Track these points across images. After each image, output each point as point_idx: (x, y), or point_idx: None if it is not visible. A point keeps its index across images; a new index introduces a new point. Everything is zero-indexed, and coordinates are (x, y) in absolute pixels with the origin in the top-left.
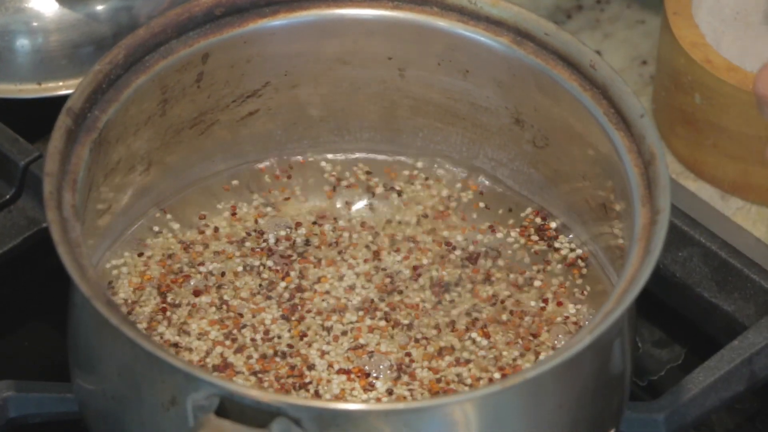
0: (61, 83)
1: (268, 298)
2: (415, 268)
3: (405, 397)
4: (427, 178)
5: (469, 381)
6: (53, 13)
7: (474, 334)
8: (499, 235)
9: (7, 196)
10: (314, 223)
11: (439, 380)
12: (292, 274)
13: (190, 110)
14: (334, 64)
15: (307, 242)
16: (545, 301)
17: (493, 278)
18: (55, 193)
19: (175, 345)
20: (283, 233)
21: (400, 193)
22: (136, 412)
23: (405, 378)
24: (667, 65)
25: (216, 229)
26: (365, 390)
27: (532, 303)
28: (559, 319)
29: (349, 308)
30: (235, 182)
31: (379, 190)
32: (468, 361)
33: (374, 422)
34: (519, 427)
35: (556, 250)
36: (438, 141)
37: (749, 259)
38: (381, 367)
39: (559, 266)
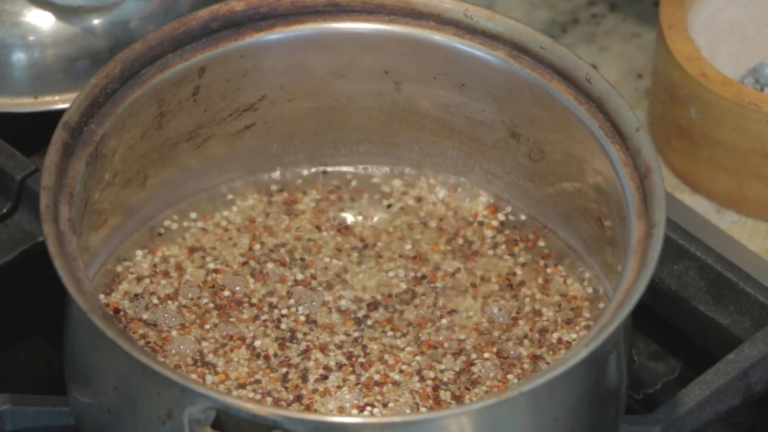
0: (57, 97)
1: (263, 310)
2: (411, 280)
3: (400, 410)
4: (422, 192)
5: (463, 391)
6: (50, 27)
7: (470, 347)
8: (494, 247)
9: (4, 210)
10: (309, 237)
11: (435, 392)
12: (287, 285)
13: (186, 124)
14: (330, 78)
15: (302, 255)
16: (539, 313)
17: (486, 291)
18: (52, 206)
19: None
20: (278, 246)
21: (395, 207)
22: (132, 426)
23: (402, 390)
24: (663, 79)
25: (211, 242)
26: (362, 403)
27: (525, 316)
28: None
29: (345, 319)
30: (230, 196)
31: (375, 203)
32: (466, 374)
33: None
34: None
35: (551, 263)
36: (434, 154)
37: (745, 272)
38: (377, 377)
39: (554, 279)
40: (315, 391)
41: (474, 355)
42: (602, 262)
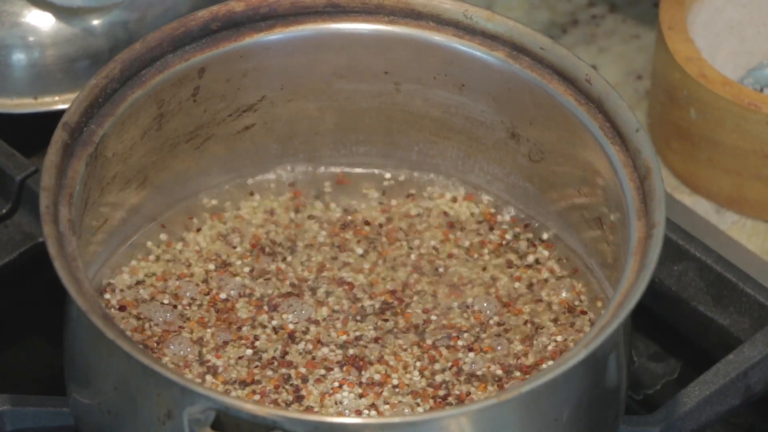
0: (57, 98)
1: (263, 309)
2: (411, 280)
3: (400, 410)
4: (422, 192)
5: (463, 392)
6: (49, 27)
7: (470, 347)
8: (494, 247)
9: (4, 211)
10: (309, 237)
11: (435, 392)
12: (287, 285)
13: (186, 124)
14: (330, 78)
15: (302, 255)
16: (539, 314)
17: (485, 292)
18: (52, 207)
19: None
20: (278, 245)
21: (395, 207)
22: (131, 426)
23: (402, 390)
24: (662, 80)
25: (211, 243)
26: (362, 404)
27: (525, 317)
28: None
29: (345, 319)
30: (230, 196)
31: (375, 203)
32: (465, 374)
33: None
34: None
35: (551, 264)
36: (434, 155)
37: (744, 273)
38: (376, 377)
39: (554, 280)
40: (315, 391)
41: (474, 355)
42: (602, 263)
